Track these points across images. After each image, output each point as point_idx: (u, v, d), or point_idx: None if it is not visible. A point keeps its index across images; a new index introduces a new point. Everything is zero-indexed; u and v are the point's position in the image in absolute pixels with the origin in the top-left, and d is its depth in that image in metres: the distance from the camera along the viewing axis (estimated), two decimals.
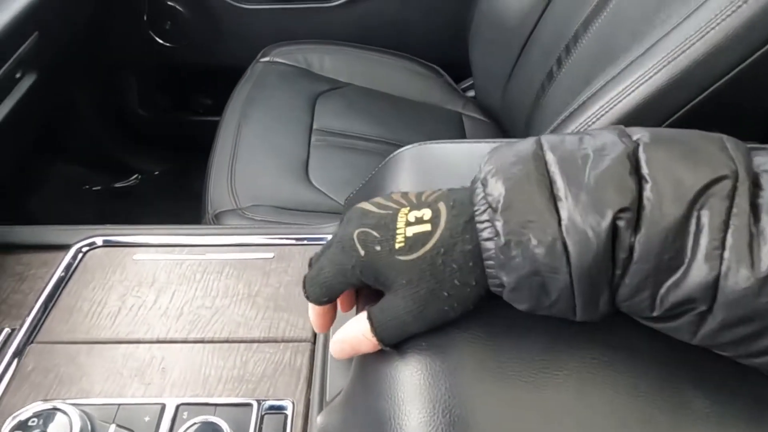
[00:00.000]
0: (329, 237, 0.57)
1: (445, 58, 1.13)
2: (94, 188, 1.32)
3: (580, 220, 0.27)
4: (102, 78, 1.23)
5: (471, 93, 1.13)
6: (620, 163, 0.28)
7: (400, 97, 1.04)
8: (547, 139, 0.31)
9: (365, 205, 0.34)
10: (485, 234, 0.29)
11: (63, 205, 1.26)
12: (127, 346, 0.46)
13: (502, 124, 1.01)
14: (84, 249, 0.56)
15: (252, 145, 0.84)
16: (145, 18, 1.15)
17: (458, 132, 1.00)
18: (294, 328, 0.48)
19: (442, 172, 0.44)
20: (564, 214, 0.28)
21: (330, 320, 0.36)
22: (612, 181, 0.27)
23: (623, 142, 0.29)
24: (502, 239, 0.28)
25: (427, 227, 0.30)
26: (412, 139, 0.91)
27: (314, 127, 0.91)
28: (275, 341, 0.47)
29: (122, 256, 0.55)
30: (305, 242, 0.57)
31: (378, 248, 0.31)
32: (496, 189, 0.29)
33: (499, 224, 0.28)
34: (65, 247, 0.56)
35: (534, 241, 0.27)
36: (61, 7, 0.75)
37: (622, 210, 0.27)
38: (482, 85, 1.03)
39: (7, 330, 0.48)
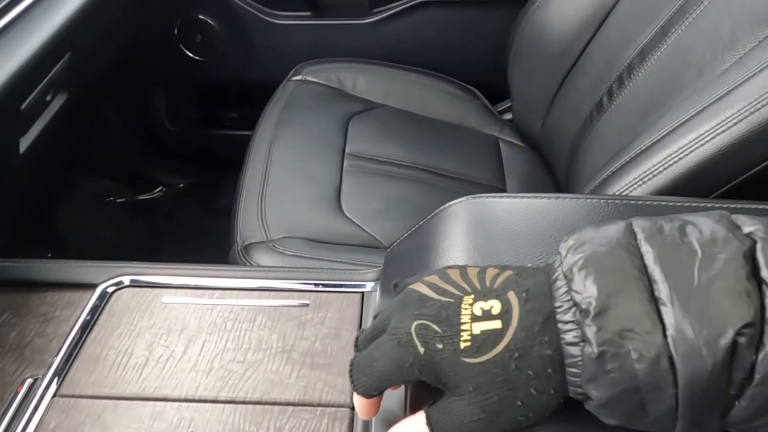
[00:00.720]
0: (367, 284, 0.54)
1: (482, 79, 1.09)
2: (118, 200, 1.31)
3: (692, 332, 0.23)
4: (130, 91, 1.22)
5: (508, 115, 1.09)
6: (737, 266, 0.24)
7: (435, 119, 1.00)
8: (640, 226, 0.27)
9: (421, 288, 0.30)
10: (569, 338, 0.25)
11: (87, 217, 1.25)
12: (154, 405, 0.43)
13: (541, 151, 0.96)
14: (110, 289, 0.53)
15: (283, 170, 0.82)
16: (175, 31, 1.13)
17: (495, 157, 0.96)
18: (332, 391, 0.44)
19: (499, 231, 0.40)
20: (669, 322, 0.24)
21: (376, 408, 0.32)
22: (729, 289, 0.23)
23: (736, 237, 0.25)
24: (595, 350, 0.24)
25: (497, 324, 0.27)
26: (447, 165, 0.89)
27: (347, 151, 0.88)
28: (312, 405, 0.43)
29: (150, 298, 0.53)
30: (342, 289, 0.53)
31: (440, 346, 0.27)
32: (587, 289, 0.25)
33: (590, 331, 0.24)
34: (91, 287, 0.53)
35: (634, 355, 0.23)
36: (94, 26, 0.73)
37: (744, 326, 0.23)
38: (521, 109, 0.99)
39: (29, 380, 0.45)
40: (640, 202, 0.43)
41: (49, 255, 1.12)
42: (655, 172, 0.49)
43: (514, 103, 1.01)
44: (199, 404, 0.44)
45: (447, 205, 0.44)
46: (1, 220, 0.74)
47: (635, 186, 0.51)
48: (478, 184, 0.89)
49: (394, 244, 0.50)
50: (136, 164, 1.31)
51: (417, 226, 0.47)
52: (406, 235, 0.48)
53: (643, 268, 0.25)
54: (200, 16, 1.12)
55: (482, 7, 1.08)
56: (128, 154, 1.28)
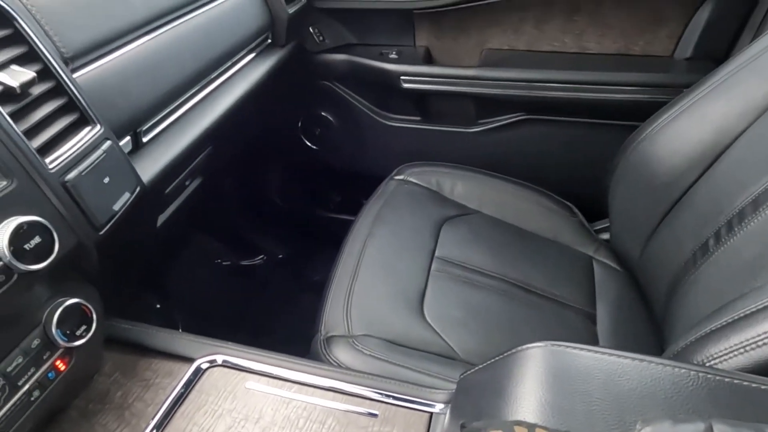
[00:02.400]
0: (436, 405, 0.55)
1: (581, 196, 1.08)
2: (224, 263, 1.44)
3: None
4: (250, 170, 1.37)
5: (605, 236, 1.06)
6: None
7: (529, 231, 1.00)
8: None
9: None
10: None
11: (195, 274, 1.38)
12: None
13: (638, 278, 0.92)
14: (204, 365, 0.59)
15: (373, 266, 0.86)
16: (299, 124, 1.27)
17: (587, 278, 0.93)
18: None
19: (575, 388, 0.40)
20: None
21: None
22: None
23: None
24: None
25: None
26: (535, 280, 0.88)
27: (436, 254, 0.90)
28: None
29: (236, 381, 0.57)
30: (412, 405, 0.54)
31: None
32: None
33: None
34: (189, 360, 0.59)
35: None
36: (233, 125, 0.85)
37: None
38: (620, 233, 0.96)
39: None
40: (735, 381, 0.40)
41: (157, 305, 1.24)
42: (760, 343, 0.46)
43: (612, 225, 0.99)
44: None
45: (525, 347, 0.44)
46: (127, 278, 0.84)
47: (735, 353, 0.47)
48: (566, 306, 0.86)
49: (468, 372, 0.50)
50: (244, 232, 1.44)
51: (493, 360, 0.47)
52: (481, 366, 0.49)
53: None
54: (322, 113, 1.25)
55: (585, 127, 1.09)
56: (240, 223, 1.42)
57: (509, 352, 0.46)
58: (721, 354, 0.48)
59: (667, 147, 0.86)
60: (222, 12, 0.84)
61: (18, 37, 0.49)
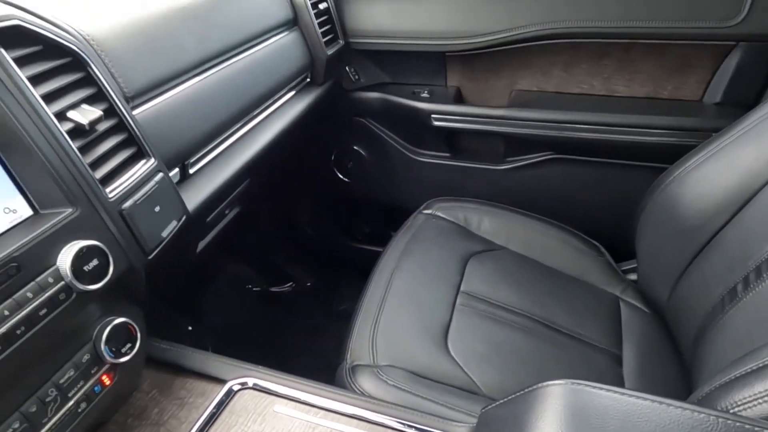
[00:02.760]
0: None
1: (608, 235, 1.09)
2: (254, 288, 1.48)
3: None
4: (284, 200, 1.42)
5: (632, 276, 1.06)
6: None
7: (555, 269, 1.01)
8: None
9: None
10: None
11: (226, 298, 1.42)
12: None
13: (666, 321, 0.91)
14: (236, 387, 0.62)
15: (399, 298, 0.88)
16: (332, 158, 1.32)
17: (613, 319, 0.93)
18: None
19: (593, 426, 0.41)
20: None
21: None
22: None
23: None
24: None
25: None
26: (560, 318, 0.89)
27: (462, 288, 0.92)
28: None
29: (265, 404, 0.60)
30: None
31: None
32: None
33: None
34: (221, 381, 0.62)
35: None
36: (270, 159, 0.90)
37: None
38: (647, 274, 0.96)
39: None
40: (757, 429, 0.40)
41: (189, 327, 1.29)
42: None
43: (640, 266, 0.99)
44: None
45: (546, 384, 0.46)
46: (165, 300, 0.89)
47: (760, 401, 0.47)
48: (591, 346, 0.86)
49: (489, 407, 0.51)
50: (275, 259, 1.48)
51: (514, 396, 0.49)
52: (502, 401, 0.50)
53: None
54: (354, 147, 1.30)
55: (613, 167, 1.10)
56: (271, 250, 1.47)
57: (530, 389, 0.47)
58: (745, 401, 0.48)
59: (696, 190, 0.87)
60: (266, 54, 0.90)
61: (89, 79, 0.55)
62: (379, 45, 1.14)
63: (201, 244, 0.81)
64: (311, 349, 1.30)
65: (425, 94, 1.18)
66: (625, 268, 1.08)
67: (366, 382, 0.73)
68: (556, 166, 1.15)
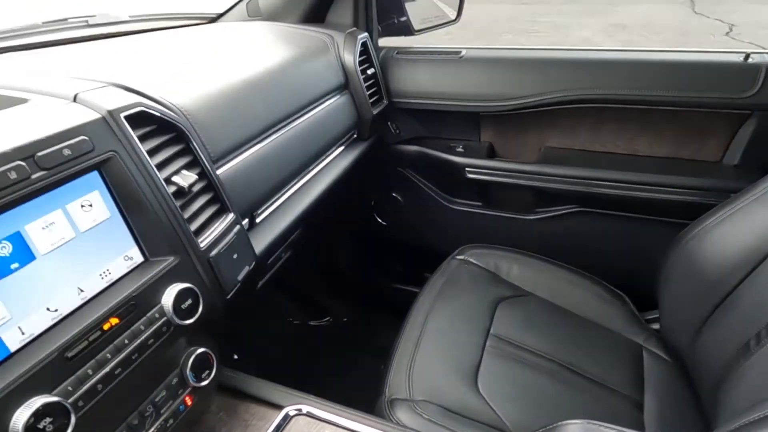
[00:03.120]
0: None
1: (632, 285, 1.15)
2: (294, 321, 1.58)
3: None
4: (325, 241, 1.53)
5: (655, 325, 1.11)
6: None
7: (580, 316, 1.07)
8: None
9: None
10: None
11: (268, 329, 1.52)
12: None
13: (687, 370, 0.96)
14: (292, 413, 0.71)
15: (434, 339, 0.96)
16: (372, 203, 1.43)
17: (636, 366, 0.98)
18: None
19: None
20: None
21: None
22: None
23: None
24: None
25: None
26: (585, 364, 0.95)
27: (491, 331, 0.99)
28: None
29: (317, 429, 0.68)
30: None
31: None
32: None
33: None
34: (279, 407, 0.71)
35: None
36: (319, 210, 1.01)
37: None
38: (669, 325, 1.01)
39: None
40: None
41: (235, 356, 1.38)
42: None
43: (662, 316, 1.04)
44: None
45: (564, 423, 0.53)
46: (223, 333, 0.99)
47: None
48: (613, 391, 0.92)
49: None
50: (313, 293, 1.58)
51: None
52: None
53: None
54: (393, 194, 1.41)
55: (637, 221, 1.17)
56: (312, 287, 1.57)
57: (550, 427, 0.54)
58: None
59: (714, 248, 0.93)
60: (322, 115, 1.03)
61: (188, 149, 0.67)
62: (420, 105, 1.26)
63: (260, 282, 0.92)
64: (347, 381, 1.38)
65: (460, 149, 1.28)
66: (648, 317, 1.13)
67: (403, 414, 0.80)
68: (582, 219, 1.22)
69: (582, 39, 6.34)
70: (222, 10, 1.27)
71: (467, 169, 1.26)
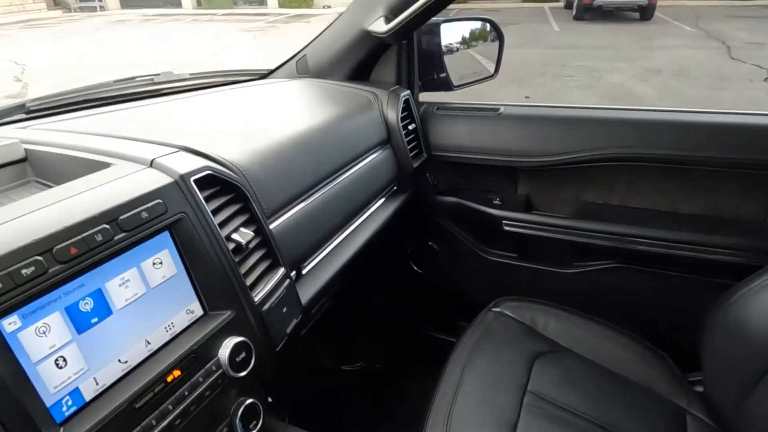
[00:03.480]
0: None
1: (673, 345, 1.12)
2: (328, 365, 1.59)
3: None
4: (361, 285, 1.56)
5: (699, 388, 1.08)
6: None
7: (621, 376, 1.05)
8: None
9: None
10: None
11: (301, 372, 1.54)
12: None
13: None
14: None
15: (470, 394, 0.96)
16: (409, 250, 1.46)
17: (679, 431, 0.96)
18: None
19: None
20: None
21: None
22: None
23: None
24: None
25: None
26: (627, 427, 0.93)
27: (529, 388, 0.99)
28: None
29: None
30: None
31: None
32: None
33: None
34: None
35: None
36: (362, 257, 1.05)
37: None
38: (714, 388, 0.99)
39: None
40: None
41: (269, 399, 1.40)
42: None
43: (706, 380, 1.02)
44: None
45: None
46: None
47: None
48: None
49: None
50: (349, 340, 1.60)
51: None
52: None
53: None
54: (429, 242, 1.44)
55: (678, 279, 1.16)
56: (346, 331, 1.59)
57: None
58: None
59: (761, 313, 0.91)
60: (365, 170, 1.07)
61: (246, 207, 0.72)
62: (458, 158, 1.29)
63: (303, 331, 0.95)
64: (379, 428, 1.38)
65: (497, 201, 1.31)
66: (691, 379, 1.10)
67: None
68: (621, 274, 1.22)
69: (615, 84, 6.37)
70: (273, 67, 1.36)
71: (504, 221, 1.28)
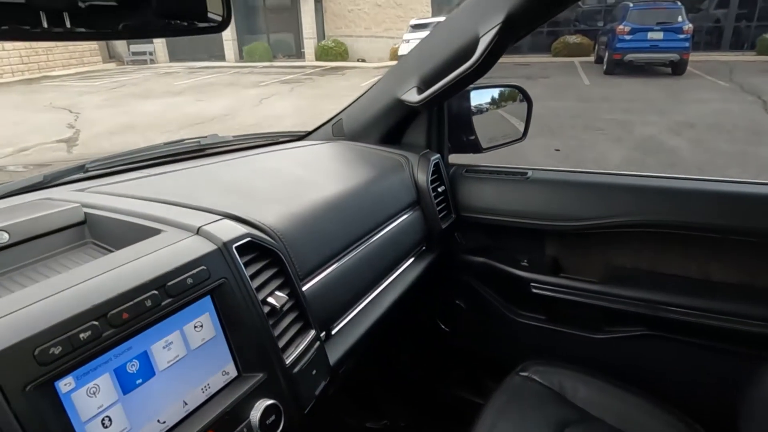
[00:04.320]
0: None
1: (709, 417, 1.08)
2: (351, 421, 1.58)
3: None
4: (387, 343, 1.57)
5: None
6: None
7: None
8: None
9: None
10: None
11: (327, 427, 1.53)
12: None
13: None
14: None
15: None
16: (436, 309, 1.47)
17: None
18: None
19: None
20: None
21: None
22: None
23: None
24: None
25: None
26: None
27: None
28: None
29: None
30: None
31: None
32: None
33: None
34: None
35: None
36: (390, 317, 1.06)
37: None
38: None
39: None
40: None
41: None
42: None
43: None
44: None
45: None
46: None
47: None
48: None
49: None
50: (374, 398, 1.59)
51: None
52: None
53: None
54: (457, 301, 1.44)
55: (712, 350, 1.13)
56: (371, 389, 1.58)
57: None
58: None
59: None
60: (394, 232, 1.11)
61: (281, 271, 0.76)
62: (486, 220, 1.32)
63: (330, 391, 0.96)
64: None
65: (525, 263, 1.32)
66: None
67: None
68: (653, 341, 1.19)
69: (647, 136, 6.34)
70: (310, 129, 1.44)
71: (532, 284, 1.28)
